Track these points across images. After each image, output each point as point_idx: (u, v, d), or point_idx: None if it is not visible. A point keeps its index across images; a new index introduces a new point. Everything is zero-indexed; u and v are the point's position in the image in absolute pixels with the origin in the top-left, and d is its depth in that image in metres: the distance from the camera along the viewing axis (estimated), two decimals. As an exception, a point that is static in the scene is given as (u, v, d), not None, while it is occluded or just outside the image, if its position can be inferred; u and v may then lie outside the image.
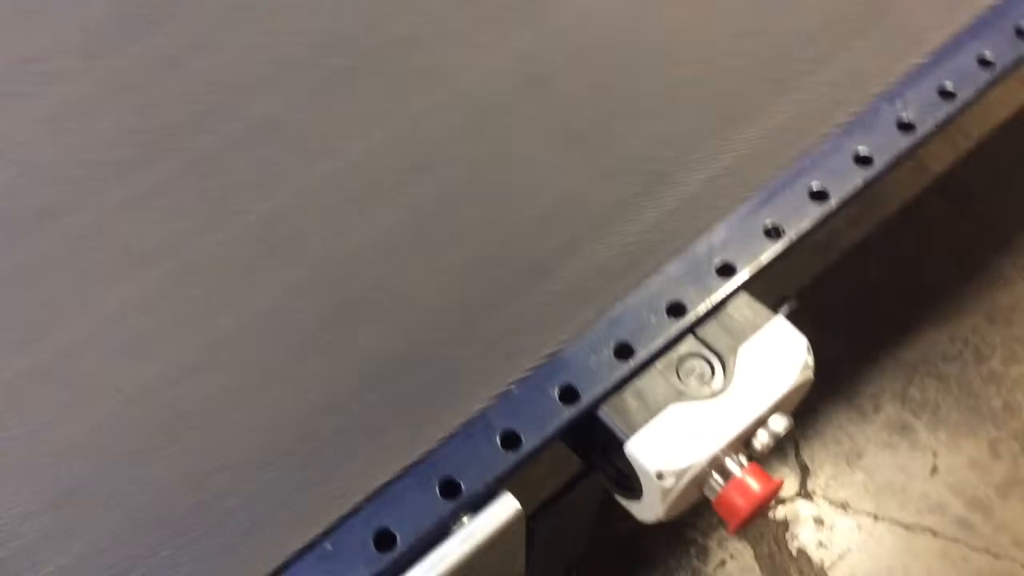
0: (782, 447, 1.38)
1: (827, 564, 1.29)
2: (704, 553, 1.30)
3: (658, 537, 1.28)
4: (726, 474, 0.58)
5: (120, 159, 0.68)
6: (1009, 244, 1.50)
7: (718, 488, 0.58)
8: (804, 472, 1.36)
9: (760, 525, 1.32)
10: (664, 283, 0.62)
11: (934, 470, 1.33)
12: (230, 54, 0.73)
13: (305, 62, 0.72)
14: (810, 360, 0.60)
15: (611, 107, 0.70)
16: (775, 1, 0.73)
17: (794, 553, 1.30)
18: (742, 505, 0.57)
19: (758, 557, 1.29)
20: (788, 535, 1.31)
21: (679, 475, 0.57)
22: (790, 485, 1.35)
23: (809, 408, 1.39)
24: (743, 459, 0.59)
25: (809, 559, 1.29)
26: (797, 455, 1.37)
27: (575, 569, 1.09)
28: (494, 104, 0.70)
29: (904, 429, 1.37)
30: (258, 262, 0.64)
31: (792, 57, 0.71)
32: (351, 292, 0.63)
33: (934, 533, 1.29)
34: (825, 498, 1.34)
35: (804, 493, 1.34)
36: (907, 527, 1.30)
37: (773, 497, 0.59)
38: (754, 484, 0.58)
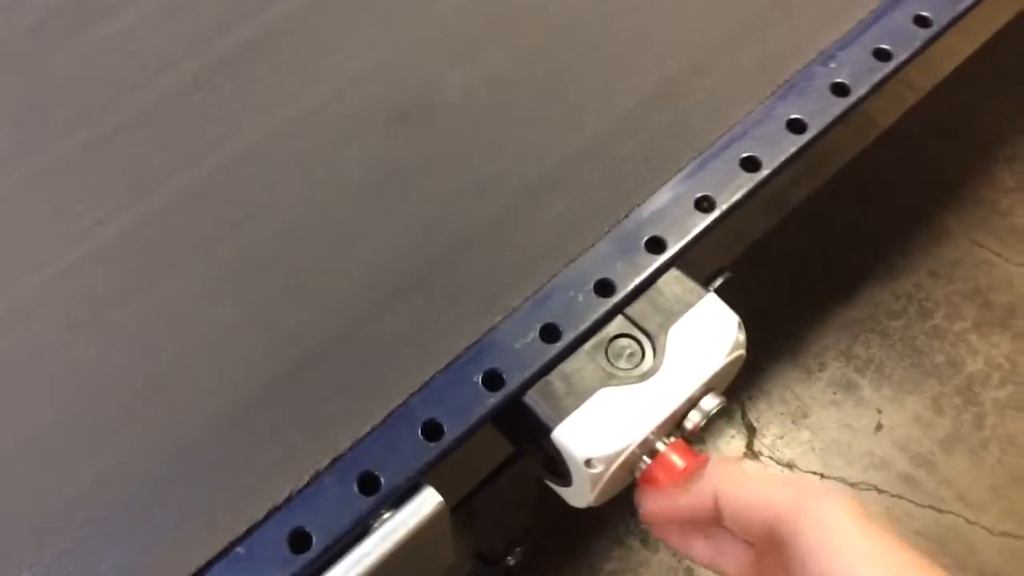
0: (728, 407, 1.37)
1: (774, 524, 1.29)
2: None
3: (605, 504, 1.27)
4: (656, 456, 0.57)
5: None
6: (953, 199, 1.49)
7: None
8: (751, 432, 1.36)
9: (708, 487, 1.32)
10: (592, 260, 0.60)
11: (878, 427, 1.34)
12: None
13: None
14: (741, 338, 0.58)
15: (533, 78, 0.66)
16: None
17: (741, 514, 1.29)
18: (666, 482, 0.56)
19: (706, 519, 1.29)
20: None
21: (608, 461, 0.55)
22: (737, 446, 1.35)
23: (755, 367, 1.39)
24: (673, 439, 0.57)
25: (756, 519, 1.29)
26: (743, 415, 1.37)
27: (521, 542, 1.08)
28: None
29: (849, 387, 1.37)
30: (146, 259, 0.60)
31: (722, 23, 0.69)
32: (266, 283, 0.60)
33: (879, 490, 1.29)
34: (772, 458, 1.34)
35: (751, 453, 1.34)
36: (852, 484, 1.30)
37: (698, 472, 0.57)
38: (678, 460, 0.56)
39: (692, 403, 0.58)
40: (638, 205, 0.61)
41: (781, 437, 1.35)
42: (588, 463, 0.55)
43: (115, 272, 0.60)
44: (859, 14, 0.68)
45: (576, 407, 0.56)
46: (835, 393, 1.36)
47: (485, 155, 0.63)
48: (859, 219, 1.48)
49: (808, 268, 1.45)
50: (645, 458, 0.57)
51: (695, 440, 0.60)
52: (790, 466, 1.32)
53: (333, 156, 0.64)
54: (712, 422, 0.60)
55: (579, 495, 0.59)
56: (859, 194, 1.48)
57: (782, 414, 1.36)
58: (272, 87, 0.66)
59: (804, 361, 1.39)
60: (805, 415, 1.35)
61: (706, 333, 0.58)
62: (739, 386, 1.36)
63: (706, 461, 0.57)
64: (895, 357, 1.38)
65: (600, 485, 0.56)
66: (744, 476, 0.47)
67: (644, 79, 0.66)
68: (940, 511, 1.28)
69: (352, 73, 0.66)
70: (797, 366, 1.39)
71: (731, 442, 1.35)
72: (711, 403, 0.58)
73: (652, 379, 0.57)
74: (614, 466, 0.55)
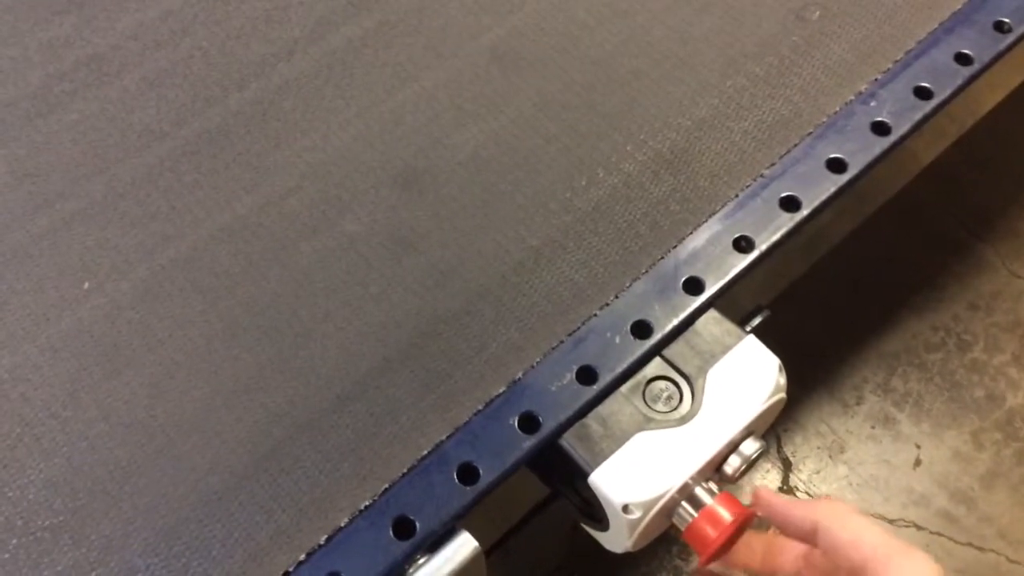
0: (764, 441, 1.35)
1: (810, 560, 1.26)
2: (686, 552, 1.27)
3: (638, 538, 1.25)
4: (696, 503, 0.56)
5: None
6: (991, 231, 1.47)
7: (688, 518, 0.56)
8: (787, 466, 1.34)
9: (742, 522, 1.30)
10: (629, 301, 0.59)
11: (917, 462, 1.31)
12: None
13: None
14: (782, 381, 0.57)
15: (569, 115, 0.66)
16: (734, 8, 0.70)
17: (777, 550, 1.27)
18: (713, 536, 0.55)
19: (741, 555, 1.27)
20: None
21: (646, 507, 0.54)
22: (772, 480, 1.33)
23: (791, 400, 1.36)
24: (714, 486, 0.56)
25: (792, 556, 1.27)
26: (779, 449, 1.35)
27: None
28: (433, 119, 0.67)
29: (887, 421, 1.34)
30: (203, 284, 0.61)
31: (762, 61, 0.68)
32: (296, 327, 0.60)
33: (918, 527, 1.27)
34: (808, 493, 1.31)
35: (787, 488, 1.32)
36: (891, 521, 1.28)
37: (746, 526, 0.57)
38: (725, 513, 0.55)
39: (732, 447, 0.57)
40: (675, 245, 0.61)
41: (818, 472, 1.32)
42: (626, 509, 0.54)
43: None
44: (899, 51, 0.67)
45: (613, 451, 0.55)
46: (873, 427, 1.34)
47: (523, 196, 0.63)
48: (896, 251, 1.46)
49: (844, 300, 1.43)
50: (685, 503, 0.56)
51: (734, 485, 0.59)
52: (827, 502, 1.30)
53: (351, 206, 0.64)
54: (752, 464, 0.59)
55: (616, 540, 0.58)
56: (896, 225, 1.46)
57: (819, 448, 1.34)
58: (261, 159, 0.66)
59: (841, 394, 1.37)
60: (842, 450, 1.33)
61: (746, 376, 0.57)
62: (775, 419, 1.34)
63: (753, 514, 0.56)
64: (934, 391, 1.36)
65: (638, 531, 0.55)
66: (846, 515, 0.51)
67: (680, 118, 0.66)
68: (981, 549, 1.25)
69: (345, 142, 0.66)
70: (834, 399, 1.37)
71: (767, 476, 1.33)
72: (751, 447, 0.57)
73: (691, 423, 0.56)
74: (652, 512, 0.54)
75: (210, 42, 0.69)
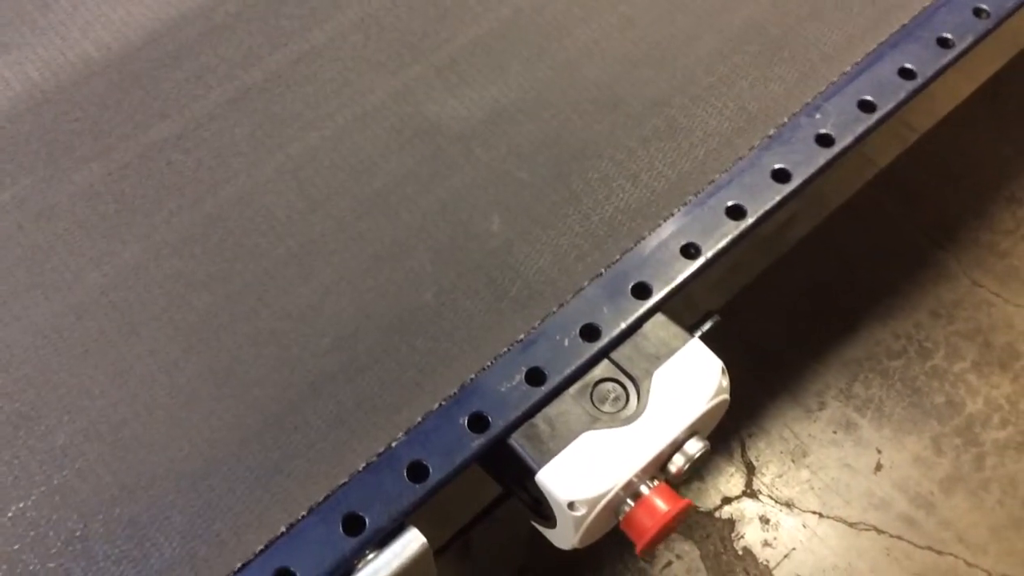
0: (728, 445, 1.37)
1: (772, 563, 1.28)
2: (650, 554, 1.29)
3: (603, 540, 1.27)
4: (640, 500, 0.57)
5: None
6: (953, 240, 1.50)
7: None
8: (750, 470, 1.36)
9: (706, 525, 1.32)
10: (578, 305, 0.61)
11: (878, 467, 1.33)
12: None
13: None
14: (725, 383, 0.59)
15: (521, 126, 0.68)
16: (687, 23, 0.72)
17: (740, 552, 1.29)
18: (649, 525, 0.56)
19: (704, 557, 1.29)
20: (734, 534, 1.31)
21: (591, 504, 0.56)
22: (736, 484, 1.34)
23: (754, 405, 1.39)
24: (656, 483, 0.58)
25: (755, 558, 1.29)
26: (743, 454, 1.37)
27: (516, 578, 1.08)
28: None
29: (849, 426, 1.37)
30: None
31: (707, 76, 0.70)
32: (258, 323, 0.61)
33: (878, 531, 1.29)
34: (771, 496, 1.33)
35: (750, 492, 1.34)
36: (851, 525, 1.30)
37: (682, 517, 0.58)
38: (661, 504, 0.57)
39: (676, 447, 0.59)
40: (625, 251, 0.62)
41: (780, 476, 1.34)
42: (571, 506, 0.55)
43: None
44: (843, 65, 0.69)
45: (560, 450, 0.57)
46: (835, 432, 1.36)
47: (486, 208, 0.65)
48: (860, 259, 1.48)
49: (809, 307, 1.45)
50: (629, 501, 0.57)
51: (682, 482, 0.60)
52: (789, 505, 1.32)
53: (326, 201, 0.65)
54: (702, 463, 0.60)
55: (563, 537, 0.60)
56: (859, 235, 1.49)
57: (781, 453, 1.36)
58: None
59: (804, 400, 1.39)
60: (804, 454, 1.35)
61: (690, 378, 0.59)
62: (739, 424, 1.36)
63: (689, 505, 0.58)
64: (895, 397, 1.38)
65: (584, 527, 0.57)
66: None
67: (635, 128, 0.68)
68: (940, 553, 1.28)
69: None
70: (797, 405, 1.39)
71: (730, 480, 1.35)
72: (695, 447, 0.59)
73: (636, 423, 0.57)
74: (597, 509, 0.56)
75: None
